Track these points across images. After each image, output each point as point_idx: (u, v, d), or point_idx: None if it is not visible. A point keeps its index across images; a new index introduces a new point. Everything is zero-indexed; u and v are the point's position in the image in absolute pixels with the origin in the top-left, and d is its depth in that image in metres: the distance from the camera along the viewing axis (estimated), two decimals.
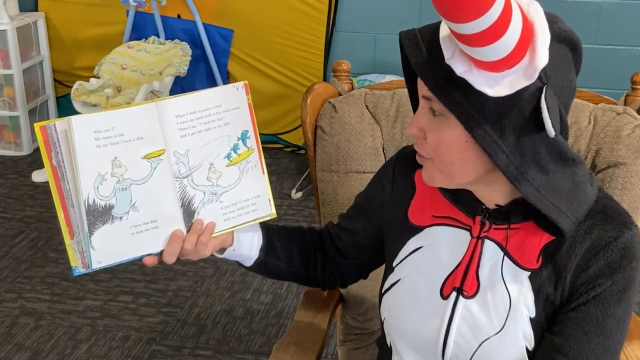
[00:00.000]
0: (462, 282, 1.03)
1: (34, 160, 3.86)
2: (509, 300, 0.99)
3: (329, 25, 3.72)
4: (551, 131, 0.87)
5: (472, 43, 0.81)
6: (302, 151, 3.96)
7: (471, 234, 1.04)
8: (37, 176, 3.64)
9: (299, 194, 3.50)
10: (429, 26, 0.92)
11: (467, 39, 0.81)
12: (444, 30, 0.88)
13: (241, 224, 1.07)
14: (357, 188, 1.35)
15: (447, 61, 0.86)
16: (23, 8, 4.03)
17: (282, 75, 3.83)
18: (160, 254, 1.01)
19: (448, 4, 0.77)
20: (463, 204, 1.05)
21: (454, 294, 1.03)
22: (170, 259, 1.01)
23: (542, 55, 0.84)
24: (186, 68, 3.50)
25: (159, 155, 0.99)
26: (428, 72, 0.90)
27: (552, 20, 0.89)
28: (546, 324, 0.99)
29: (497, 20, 0.78)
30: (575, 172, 0.96)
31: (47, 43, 4.10)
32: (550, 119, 0.86)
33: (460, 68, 0.86)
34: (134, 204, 0.98)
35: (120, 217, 0.97)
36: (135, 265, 2.84)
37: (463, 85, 0.87)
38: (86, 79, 3.51)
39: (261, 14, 3.74)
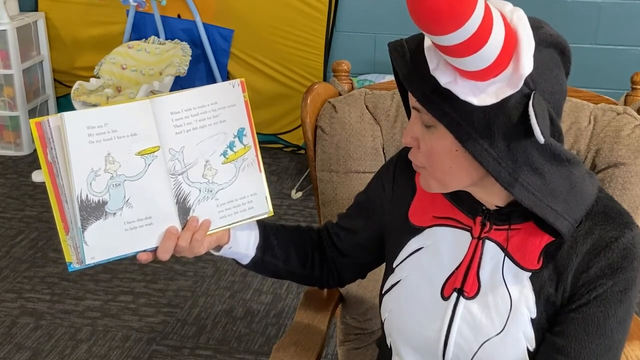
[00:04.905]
0: (462, 283, 1.03)
1: (34, 160, 3.86)
2: (509, 301, 0.99)
3: (329, 25, 3.72)
4: (540, 138, 0.87)
5: (454, 54, 0.81)
6: (302, 151, 3.96)
7: (472, 235, 1.04)
8: (37, 176, 3.64)
9: (299, 194, 3.50)
10: (416, 36, 0.92)
11: (448, 50, 0.81)
12: (428, 40, 0.88)
13: (237, 222, 1.07)
14: (357, 188, 1.35)
15: (431, 72, 0.86)
16: (23, 8, 4.03)
17: (282, 75, 3.83)
18: (155, 250, 1.01)
19: (425, 18, 0.77)
20: (464, 204, 1.05)
21: (455, 294, 1.03)
22: (164, 255, 1.01)
23: (526, 63, 0.84)
24: (186, 68, 3.49)
25: (154, 152, 0.99)
26: (415, 84, 0.90)
27: (537, 26, 0.89)
28: (547, 325, 0.99)
29: (477, 30, 0.78)
30: (572, 172, 0.95)
31: (47, 43, 4.10)
32: (539, 125, 0.86)
33: (444, 79, 0.86)
34: (127, 200, 0.98)
35: (114, 213, 0.97)
36: (135, 265, 2.84)
37: (450, 96, 0.87)
38: (86, 79, 3.51)
39: (261, 14, 3.74)
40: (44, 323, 2.51)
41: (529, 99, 0.86)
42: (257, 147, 1.07)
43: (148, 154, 0.99)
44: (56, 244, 3.00)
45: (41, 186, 3.55)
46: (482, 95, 0.86)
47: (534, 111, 0.85)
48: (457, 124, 0.88)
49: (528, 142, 0.89)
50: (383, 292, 1.13)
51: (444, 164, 0.95)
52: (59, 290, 2.70)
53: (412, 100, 0.95)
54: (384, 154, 1.45)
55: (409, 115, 1.01)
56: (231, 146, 1.05)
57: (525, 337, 0.99)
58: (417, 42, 0.91)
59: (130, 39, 3.81)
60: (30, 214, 3.30)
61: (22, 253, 2.97)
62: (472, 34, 0.78)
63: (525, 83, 0.86)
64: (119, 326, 2.50)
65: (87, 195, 0.95)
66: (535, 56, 0.85)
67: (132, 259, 1.01)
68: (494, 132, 0.88)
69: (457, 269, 1.04)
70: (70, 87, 3.47)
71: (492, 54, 0.82)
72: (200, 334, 2.47)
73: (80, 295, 2.67)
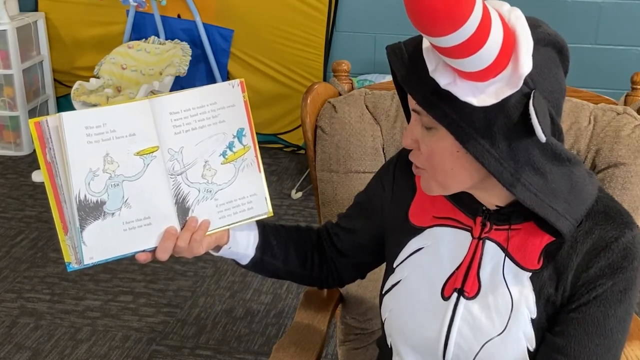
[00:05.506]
0: (463, 283, 1.03)
1: (34, 160, 3.86)
2: (510, 301, 0.99)
3: (329, 25, 3.72)
4: (542, 137, 0.87)
5: (453, 55, 0.81)
6: (302, 151, 3.96)
7: (472, 235, 1.04)
8: (37, 176, 3.64)
9: (299, 194, 3.50)
10: (414, 39, 0.92)
11: (447, 51, 0.81)
12: (426, 42, 0.88)
13: (237, 222, 1.06)
14: (357, 188, 1.35)
15: (431, 74, 0.86)
16: (23, 8, 4.03)
17: (282, 75, 3.83)
18: (154, 251, 1.01)
19: (423, 19, 0.77)
20: (464, 205, 1.05)
21: (455, 295, 1.03)
22: (163, 256, 1.01)
23: (525, 63, 0.84)
24: (186, 68, 3.49)
25: (152, 152, 0.99)
26: (414, 86, 0.90)
27: (535, 25, 0.89)
28: (547, 325, 0.99)
29: (476, 31, 0.78)
30: (573, 171, 0.95)
31: (47, 43, 4.10)
32: (540, 123, 0.86)
33: (444, 80, 0.86)
34: (126, 201, 0.98)
35: (113, 213, 0.97)
36: (135, 265, 2.84)
37: (450, 97, 0.87)
38: (86, 79, 3.51)
39: (261, 14, 3.74)
40: (44, 323, 2.51)
41: (529, 98, 0.86)
42: (257, 147, 1.07)
43: (147, 154, 0.98)
44: (56, 244, 3.00)
45: (41, 186, 3.55)
46: (481, 95, 0.86)
47: (535, 110, 0.85)
48: (458, 125, 0.88)
49: (529, 141, 0.89)
50: (383, 292, 1.13)
51: (445, 166, 0.95)
52: (59, 290, 2.70)
53: (412, 103, 0.95)
54: (384, 154, 1.45)
55: (408, 118, 1.01)
56: (230, 146, 1.05)
57: (525, 337, 0.99)
58: (415, 44, 0.91)
59: (130, 39, 3.81)
60: (30, 214, 3.30)
61: (22, 253, 2.97)
62: (471, 35, 0.78)
63: (525, 82, 0.86)
64: (119, 326, 2.50)
65: (85, 196, 0.95)
66: (533, 55, 0.85)
67: (131, 259, 1.01)
68: (494, 133, 0.88)
69: (457, 269, 1.04)
70: (70, 87, 3.47)
71: (491, 55, 0.81)
72: (200, 334, 2.47)
73: (80, 295, 2.67)
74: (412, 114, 0.96)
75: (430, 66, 0.87)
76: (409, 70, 0.90)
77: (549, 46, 0.90)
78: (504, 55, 0.83)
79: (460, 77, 0.85)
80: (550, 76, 0.90)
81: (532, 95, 0.86)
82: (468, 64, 0.82)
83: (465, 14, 0.76)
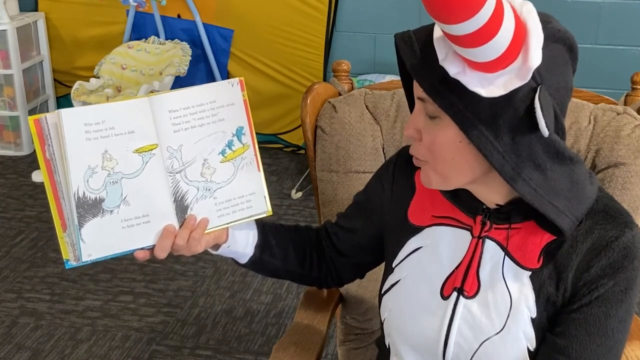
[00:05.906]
0: (462, 282, 1.03)
1: (34, 160, 3.86)
2: (509, 300, 0.99)
3: (329, 25, 3.72)
4: (545, 131, 0.87)
5: (464, 44, 0.81)
6: (302, 151, 3.96)
7: (472, 234, 1.04)
8: (37, 176, 3.64)
9: (299, 194, 3.50)
10: (424, 27, 0.92)
11: (459, 40, 0.81)
12: (437, 31, 0.88)
13: (235, 221, 1.06)
14: (357, 188, 1.35)
15: (440, 62, 0.87)
16: (23, 8, 4.04)
17: (282, 75, 3.83)
18: (152, 248, 1.01)
19: (438, 6, 0.77)
20: (463, 203, 1.05)
21: (455, 294, 1.03)
22: (161, 254, 1.00)
23: (535, 56, 0.84)
24: (186, 68, 3.50)
25: (151, 150, 0.99)
26: (423, 74, 0.90)
27: (546, 20, 0.89)
28: (547, 324, 0.99)
29: (489, 21, 0.78)
30: (574, 170, 0.95)
31: (47, 43, 4.10)
32: (544, 118, 0.86)
33: (453, 69, 0.86)
34: (124, 198, 0.97)
35: (111, 211, 0.97)
36: (135, 265, 2.84)
37: (457, 87, 0.87)
38: (86, 79, 3.51)
39: (261, 14, 3.74)
40: (44, 323, 2.51)
41: (536, 93, 0.86)
42: (256, 146, 1.07)
43: (146, 151, 0.98)
44: (56, 244, 2.99)
45: (41, 186, 3.55)
46: (490, 87, 0.86)
47: (540, 104, 0.86)
48: (463, 115, 0.88)
49: (533, 137, 0.89)
50: (382, 292, 1.13)
51: (447, 156, 0.95)
52: (59, 290, 2.70)
53: (418, 91, 0.95)
54: (384, 154, 1.45)
55: (411, 108, 1.01)
56: (230, 145, 1.04)
57: (525, 337, 0.99)
58: (425, 33, 0.91)
59: (130, 39, 3.81)
60: (30, 214, 3.30)
61: (22, 253, 2.97)
62: (484, 24, 0.78)
63: (532, 77, 0.86)
64: (119, 326, 2.50)
65: (84, 193, 0.95)
66: (543, 51, 0.85)
67: (131, 258, 1.01)
68: (499, 125, 0.88)
69: (457, 268, 1.04)
70: (70, 87, 3.47)
71: (502, 45, 0.82)
72: (200, 334, 2.47)
73: (80, 295, 2.67)
74: (417, 102, 0.96)
75: (441, 55, 0.87)
76: (418, 59, 0.90)
77: (559, 43, 0.90)
78: (515, 47, 0.83)
79: (469, 67, 0.85)
80: (558, 73, 0.90)
81: (538, 90, 0.86)
82: (479, 54, 0.82)
83: (479, 2, 0.76)
